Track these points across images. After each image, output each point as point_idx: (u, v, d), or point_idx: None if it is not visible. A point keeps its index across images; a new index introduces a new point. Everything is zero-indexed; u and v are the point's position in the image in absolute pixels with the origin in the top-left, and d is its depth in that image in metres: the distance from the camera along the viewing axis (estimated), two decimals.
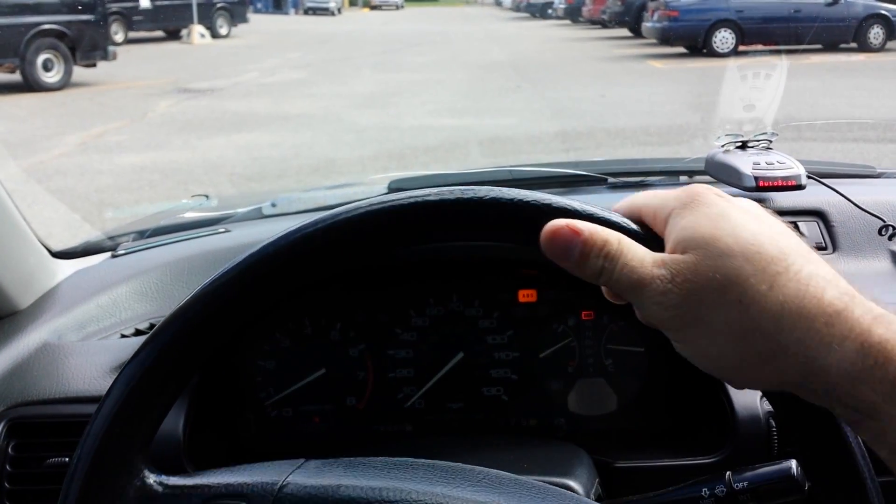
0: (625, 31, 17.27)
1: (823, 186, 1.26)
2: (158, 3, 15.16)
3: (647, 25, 13.29)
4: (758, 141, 1.32)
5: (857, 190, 1.26)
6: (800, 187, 1.21)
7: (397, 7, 42.51)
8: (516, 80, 10.96)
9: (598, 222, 0.51)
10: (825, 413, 0.49)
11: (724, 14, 11.84)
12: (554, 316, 1.04)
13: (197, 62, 13.78)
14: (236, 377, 1.03)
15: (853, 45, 11.61)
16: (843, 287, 0.47)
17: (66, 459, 0.89)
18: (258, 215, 1.44)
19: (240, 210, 1.46)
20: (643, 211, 0.53)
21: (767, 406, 0.91)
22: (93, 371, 0.97)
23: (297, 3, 33.87)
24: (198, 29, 16.10)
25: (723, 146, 1.32)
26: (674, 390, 1.03)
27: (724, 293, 0.47)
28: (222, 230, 1.31)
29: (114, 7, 13.55)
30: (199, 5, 16.02)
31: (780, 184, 1.21)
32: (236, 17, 18.34)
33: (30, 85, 9.50)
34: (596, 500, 0.80)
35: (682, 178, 1.50)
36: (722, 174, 1.28)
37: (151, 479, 0.55)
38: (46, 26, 9.60)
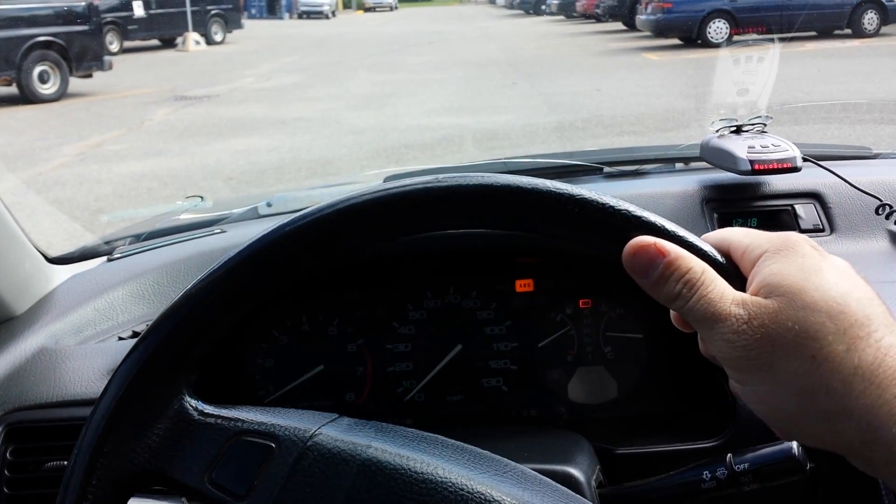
0: (619, 25, 17.25)
1: (819, 168, 1.26)
2: (153, 11, 15.16)
3: (641, 18, 13.27)
4: (752, 125, 1.31)
5: (854, 171, 1.25)
6: (795, 169, 1.21)
7: (391, 8, 42.49)
8: (512, 76, 10.95)
9: (686, 247, 0.51)
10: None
11: (717, 4, 11.82)
12: (552, 305, 1.04)
13: (193, 69, 13.78)
14: (235, 376, 1.03)
15: (847, 31, 11.58)
16: None
17: (65, 462, 0.88)
18: (254, 215, 1.43)
19: (235, 211, 1.46)
20: (733, 246, 0.53)
21: None
22: (90, 374, 0.96)
23: (290, 8, 33.87)
24: (193, 36, 16.10)
25: (717, 131, 1.31)
26: (674, 376, 1.03)
27: (799, 346, 0.46)
28: (218, 231, 1.31)
29: (108, 17, 13.56)
30: (193, 13, 16.04)
31: (775, 166, 1.20)
32: (231, 23, 18.34)
33: (26, 97, 9.51)
34: (597, 487, 0.80)
35: (678, 165, 1.49)
36: (717, 159, 1.27)
37: (191, 402, 0.55)
38: (42, 38, 9.61)
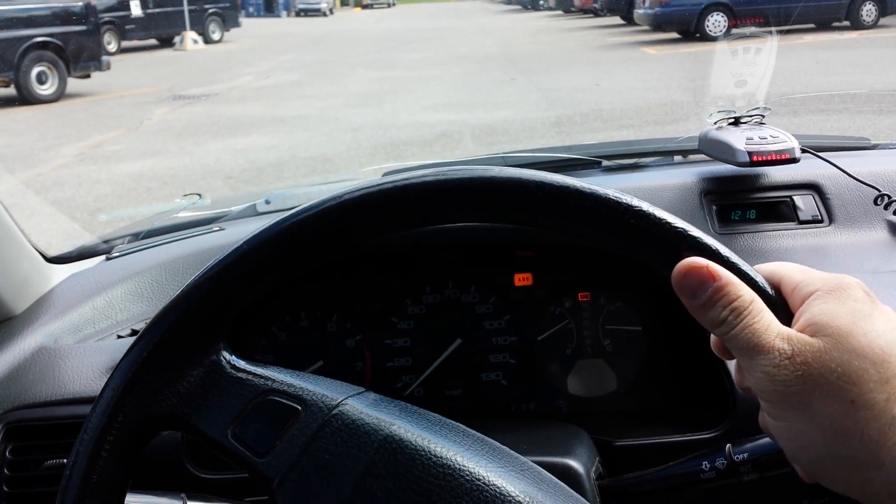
0: (617, 19, 17.23)
1: (818, 159, 1.25)
2: (150, 10, 15.15)
3: (639, 12, 13.25)
4: (750, 116, 1.31)
5: (852, 162, 1.25)
6: (794, 160, 1.20)
7: (389, 5, 42.47)
8: (511, 72, 10.94)
9: (738, 274, 0.51)
10: None
11: None
12: (550, 298, 1.04)
13: (191, 68, 13.78)
14: None
15: (846, 22, 11.56)
16: None
17: (65, 461, 0.88)
18: (252, 213, 1.43)
19: (234, 208, 1.46)
20: (784, 280, 0.53)
21: None
22: (89, 372, 0.96)
23: (288, 6, 33.83)
24: (190, 35, 16.09)
25: (716, 123, 1.31)
26: (673, 368, 1.03)
27: (839, 389, 0.46)
28: (217, 229, 1.30)
29: (106, 17, 13.55)
30: (190, 12, 16.03)
31: (773, 158, 1.20)
32: (228, 21, 18.33)
33: (25, 98, 9.50)
34: (597, 479, 0.80)
35: (677, 158, 1.49)
36: (715, 151, 1.27)
37: (225, 355, 0.55)
38: (39, 39, 9.59)
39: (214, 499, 0.82)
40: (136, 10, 14.70)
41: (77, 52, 9.96)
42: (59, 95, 9.86)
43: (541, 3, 27.56)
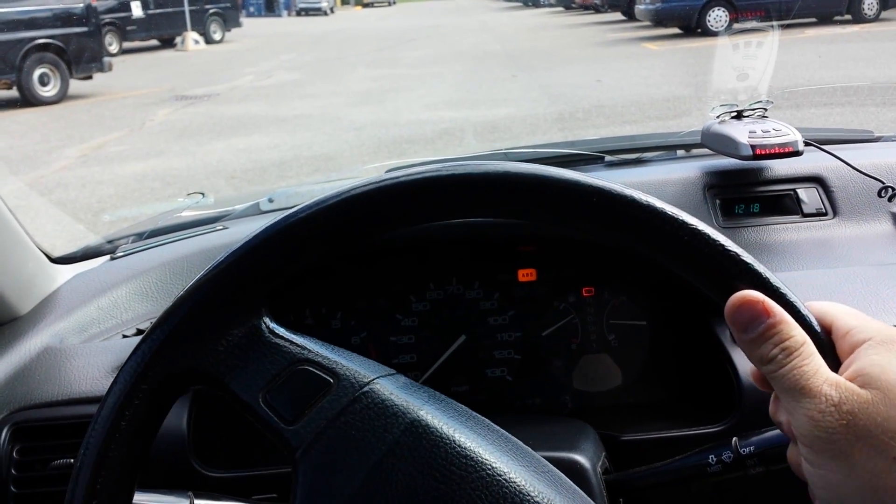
0: (618, 15, 17.20)
1: (821, 152, 1.25)
2: (151, 11, 15.16)
3: (640, 8, 13.22)
4: (753, 110, 1.31)
5: (856, 154, 1.25)
6: (797, 153, 1.20)
7: (389, 3, 42.44)
8: (512, 69, 10.93)
9: (790, 311, 0.50)
10: None
11: None
12: (555, 294, 1.04)
13: (192, 69, 13.78)
14: None
15: (847, 16, 11.53)
16: None
17: (72, 461, 0.88)
18: (256, 211, 1.43)
19: (237, 207, 1.46)
20: (836, 324, 0.52)
21: None
22: (95, 372, 0.96)
23: (289, 5, 33.82)
24: (192, 36, 16.10)
25: (718, 117, 1.31)
26: (678, 362, 1.03)
27: (883, 444, 0.46)
28: (220, 227, 1.30)
29: (107, 18, 13.57)
30: (192, 12, 16.04)
31: (776, 151, 1.20)
32: (229, 21, 18.34)
33: (27, 100, 9.51)
34: (603, 474, 0.80)
35: (679, 152, 1.49)
36: (718, 145, 1.27)
37: (266, 320, 0.55)
38: (41, 41, 9.60)
39: (222, 497, 0.82)
40: (137, 11, 14.72)
41: (78, 53, 9.98)
42: (62, 97, 9.87)
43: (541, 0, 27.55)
